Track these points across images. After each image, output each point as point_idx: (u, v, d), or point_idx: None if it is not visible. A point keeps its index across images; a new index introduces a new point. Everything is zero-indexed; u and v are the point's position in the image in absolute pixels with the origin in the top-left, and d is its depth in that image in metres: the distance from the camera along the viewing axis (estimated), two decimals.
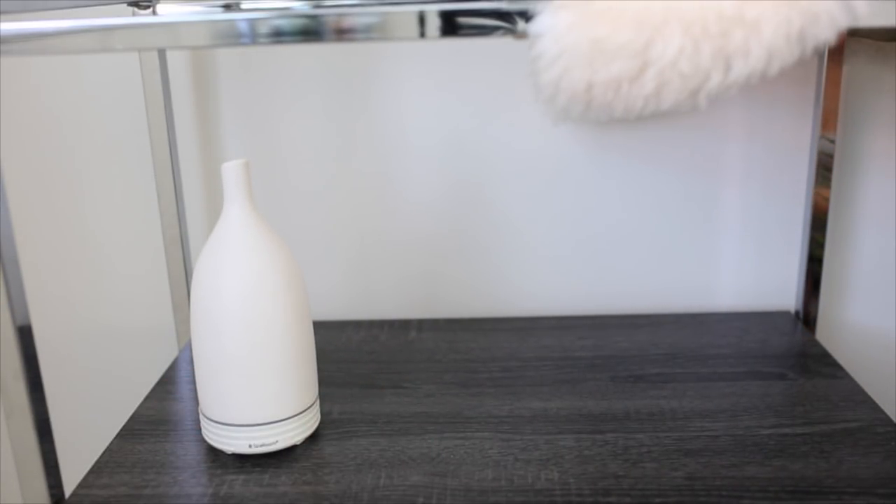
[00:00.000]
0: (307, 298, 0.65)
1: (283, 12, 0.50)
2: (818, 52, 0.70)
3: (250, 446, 0.63)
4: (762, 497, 0.58)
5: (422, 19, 0.49)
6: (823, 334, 0.91)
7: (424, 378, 0.77)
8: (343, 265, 0.95)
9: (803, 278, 0.89)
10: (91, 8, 0.75)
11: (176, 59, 0.87)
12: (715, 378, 0.76)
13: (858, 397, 0.72)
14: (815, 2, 0.45)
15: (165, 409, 0.73)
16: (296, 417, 0.64)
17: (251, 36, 0.50)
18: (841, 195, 0.90)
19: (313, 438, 0.67)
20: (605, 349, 0.83)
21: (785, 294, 0.93)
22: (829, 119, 0.83)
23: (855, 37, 0.83)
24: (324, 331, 0.88)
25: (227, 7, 0.80)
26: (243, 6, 0.81)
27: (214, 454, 0.66)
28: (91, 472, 0.64)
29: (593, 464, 0.63)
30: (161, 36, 0.53)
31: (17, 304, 0.57)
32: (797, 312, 0.90)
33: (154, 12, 0.79)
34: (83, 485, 0.62)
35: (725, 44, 0.46)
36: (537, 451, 0.65)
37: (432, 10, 0.49)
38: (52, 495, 0.60)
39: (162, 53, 0.82)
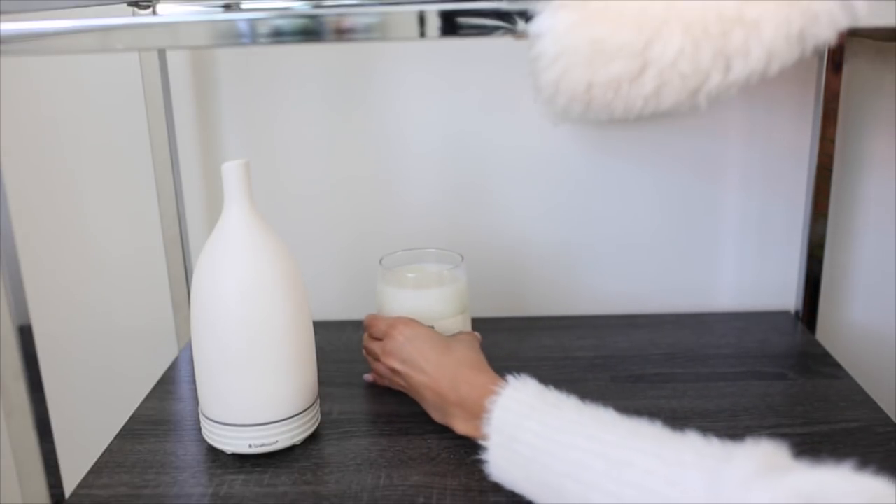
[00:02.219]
0: (307, 298, 0.65)
1: (283, 12, 0.50)
2: (818, 52, 0.70)
3: (250, 446, 0.63)
4: None
5: (422, 19, 0.49)
6: (823, 334, 0.91)
7: None
8: (343, 265, 0.95)
9: (803, 278, 0.89)
10: (91, 8, 0.75)
11: (176, 59, 0.87)
12: (715, 378, 0.76)
13: (858, 397, 0.72)
14: (815, 2, 0.45)
15: (165, 409, 0.73)
16: (296, 417, 0.64)
17: (251, 36, 0.50)
18: (841, 195, 0.90)
19: (313, 438, 0.67)
20: (605, 349, 0.82)
21: (785, 294, 0.93)
22: (829, 119, 0.83)
23: (855, 37, 0.83)
24: (324, 331, 0.88)
25: (227, 7, 0.80)
26: (243, 6, 0.81)
27: (214, 454, 0.66)
28: (91, 472, 0.64)
29: None
30: (161, 36, 0.53)
31: (17, 304, 0.57)
32: (797, 312, 0.90)
33: (154, 12, 0.79)
34: (83, 485, 0.62)
35: (725, 44, 0.46)
36: None
37: (432, 10, 0.49)
38: (52, 495, 0.60)
39: (162, 53, 0.82)
